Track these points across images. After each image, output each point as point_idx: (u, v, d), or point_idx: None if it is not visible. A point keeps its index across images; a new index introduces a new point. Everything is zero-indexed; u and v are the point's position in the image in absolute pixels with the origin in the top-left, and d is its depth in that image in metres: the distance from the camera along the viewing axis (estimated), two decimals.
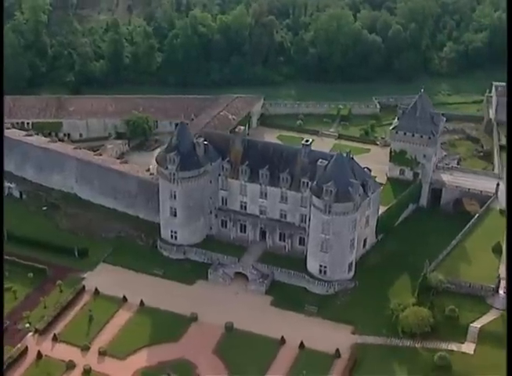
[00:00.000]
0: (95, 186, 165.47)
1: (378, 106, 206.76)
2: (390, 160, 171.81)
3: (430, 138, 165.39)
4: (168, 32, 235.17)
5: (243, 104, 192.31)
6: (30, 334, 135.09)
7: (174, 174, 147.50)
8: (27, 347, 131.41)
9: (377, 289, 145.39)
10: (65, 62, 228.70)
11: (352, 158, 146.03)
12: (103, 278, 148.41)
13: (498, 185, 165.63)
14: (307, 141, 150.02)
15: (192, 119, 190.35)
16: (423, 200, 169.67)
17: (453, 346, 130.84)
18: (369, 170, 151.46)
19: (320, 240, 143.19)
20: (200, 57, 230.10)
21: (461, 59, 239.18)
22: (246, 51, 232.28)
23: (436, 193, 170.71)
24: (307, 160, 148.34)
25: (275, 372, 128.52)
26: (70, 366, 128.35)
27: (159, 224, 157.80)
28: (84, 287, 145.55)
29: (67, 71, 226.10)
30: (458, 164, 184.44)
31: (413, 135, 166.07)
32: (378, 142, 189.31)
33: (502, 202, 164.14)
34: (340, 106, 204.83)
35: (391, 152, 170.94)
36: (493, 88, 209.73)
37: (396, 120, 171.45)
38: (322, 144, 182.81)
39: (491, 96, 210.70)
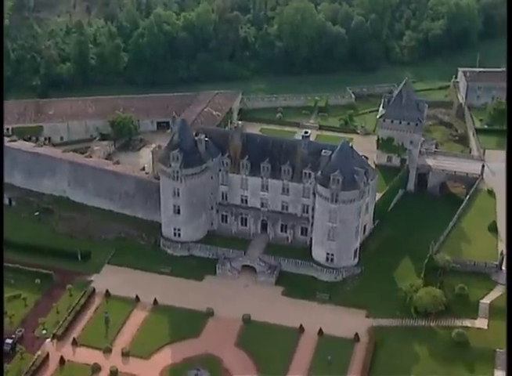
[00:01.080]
0: (89, 189, 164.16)
1: (353, 96, 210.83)
2: (377, 148, 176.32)
3: (417, 124, 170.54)
4: (132, 32, 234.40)
5: (224, 100, 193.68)
6: (48, 340, 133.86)
7: (177, 171, 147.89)
8: (48, 353, 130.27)
9: (383, 273, 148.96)
10: (29, 66, 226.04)
11: (352, 147, 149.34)
12: (111, 279, 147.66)
13: (483, 166, 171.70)
14: (306, 132, 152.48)
15: (174, 117, 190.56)
16: (411, 185, 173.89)
17: (467, 323, 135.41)
18: (366, 158, 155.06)
19: (327, 228, 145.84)
20: (167, 55, 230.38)
21: (421, 47, 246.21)
22: (212, 47, 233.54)
23: (422, 177, 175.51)
24: (307, 151, 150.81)
25: (300, 360, 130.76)
26: (96, 369, 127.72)
27: (158, 222, 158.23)
28: (94, 289, 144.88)
29: (32, 75, 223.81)
30: (436, 148, 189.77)
31: (400, 123, 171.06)
32: (359, 131, 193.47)
33: (488, 183, 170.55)
34: (317, 98, 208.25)
35: (378, 140, 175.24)
36: (460, 74, 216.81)
37: (381, 108, 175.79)
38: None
39: (457, 82, 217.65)
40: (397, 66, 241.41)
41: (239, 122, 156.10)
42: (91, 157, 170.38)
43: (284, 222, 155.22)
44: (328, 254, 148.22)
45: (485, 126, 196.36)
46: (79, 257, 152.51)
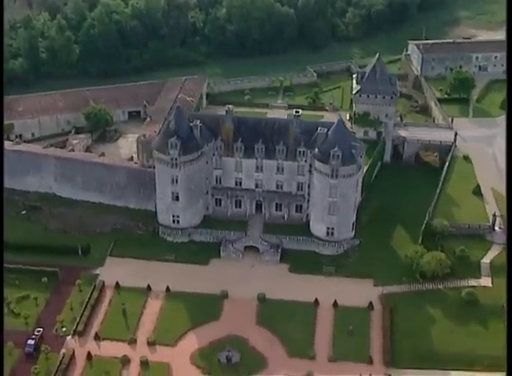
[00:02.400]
0: (77, 183, 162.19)
1: (315, 74, 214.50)
2: (353, 123, 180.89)
3: (392, 97, 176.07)
4: (79, 24, 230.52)
5: (194, 85, 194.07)
6: (69, 337, 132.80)
7: (176, 158, 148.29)
8: (73, 351, 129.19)
9: (380, 242, 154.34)
10: None
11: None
12: (117, 271, 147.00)
13: (456, 134, 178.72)
14: (297, 112, 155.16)
15: (145, 105, 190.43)
16: (387, 157, 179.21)
17: (473, 282, 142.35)
18: (354, 133, 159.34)
19: (327, 203, 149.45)
20: (118, 45, 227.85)
21: (364, 22, 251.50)
22: (163, 34, 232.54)
23: (395, 148, 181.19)
24: (299, 129, 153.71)
25: (323, 332, 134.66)
26: (125, 361, 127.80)
27: (152, 211, 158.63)
28: (104, 282, 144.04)
29: None
30: (401, 120, 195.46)
31: (376, 97, 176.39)
32: (328, 108, 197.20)
33: (462, 150, 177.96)
34: (281, 78, 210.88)
35: (354, 115, 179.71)
36: (411, 47, 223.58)
37: (355, 84, 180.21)
38: (277, 115, 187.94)
39: (409, 55, 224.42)
40: (344, 42, 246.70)
41: (230, 106, 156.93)
42: (73, 150, 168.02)
43: (280, 200, 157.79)
44: (328, 228, 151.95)
45: (446, 96, 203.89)
46: (79, 252, 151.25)
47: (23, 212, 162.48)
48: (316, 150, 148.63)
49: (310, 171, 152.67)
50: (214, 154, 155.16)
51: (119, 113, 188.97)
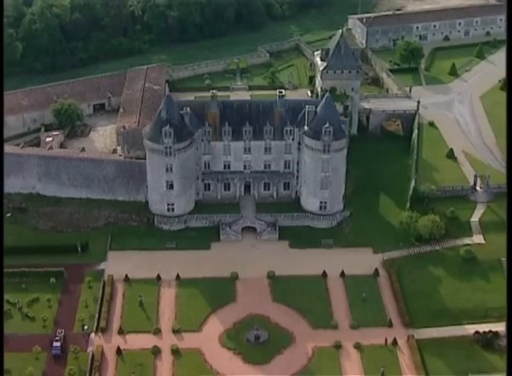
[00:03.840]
0: (63, 180, 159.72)
1: (267, 54, 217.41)
2: (321, 99, 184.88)
3: (357, 72, 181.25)
4: (16, 20, 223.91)
5: (156, 74, 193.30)
6: (93, 334, 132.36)
7: (170, 147, 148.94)
8: (102, 347, 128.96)
9: (369, 211, 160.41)
10: None
11: None
12: (123, 264, 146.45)
13: (419, 102, 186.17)
14: (280, 92, 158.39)
15: (110, 97, 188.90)
16: (354, 129, 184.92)
17: (467, 241, 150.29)
18: None
19: (320, 178, 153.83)
20: (62, 38, 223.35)
21: (297, 0, 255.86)
22: (105, 25, 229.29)
23: (360, 120, 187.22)
24: (283, 109, 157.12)
25: (338, 301, 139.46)
26: (156, 351, 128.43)
27: (142, 202, 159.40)
28: (112, 277, 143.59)
29: None
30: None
31: (342, 72, 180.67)
32: (287, 87, 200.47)
33: (425, 116, 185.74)
34: (235, 60, 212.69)
35: (321, 90, 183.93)
36: (352, 21, 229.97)
37: (320, 61, 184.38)
38: (240, 97, 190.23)
39: (350, 29, 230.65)
40: (280, 21, 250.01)
41: (214, 91, 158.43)
42: (52, 148, 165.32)
43: (268, 180, 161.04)
44: (321, 202, 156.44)
45: (395, 66, 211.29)
46: (79, 249, 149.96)
47: (8, 215, 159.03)
48: (306, 127, 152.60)
49: (299, 149, 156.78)
50: (202, 140, 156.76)
51: (84, 107, 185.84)
